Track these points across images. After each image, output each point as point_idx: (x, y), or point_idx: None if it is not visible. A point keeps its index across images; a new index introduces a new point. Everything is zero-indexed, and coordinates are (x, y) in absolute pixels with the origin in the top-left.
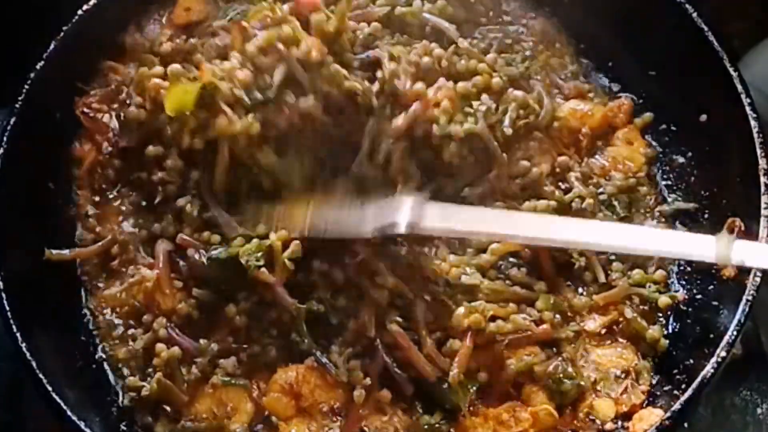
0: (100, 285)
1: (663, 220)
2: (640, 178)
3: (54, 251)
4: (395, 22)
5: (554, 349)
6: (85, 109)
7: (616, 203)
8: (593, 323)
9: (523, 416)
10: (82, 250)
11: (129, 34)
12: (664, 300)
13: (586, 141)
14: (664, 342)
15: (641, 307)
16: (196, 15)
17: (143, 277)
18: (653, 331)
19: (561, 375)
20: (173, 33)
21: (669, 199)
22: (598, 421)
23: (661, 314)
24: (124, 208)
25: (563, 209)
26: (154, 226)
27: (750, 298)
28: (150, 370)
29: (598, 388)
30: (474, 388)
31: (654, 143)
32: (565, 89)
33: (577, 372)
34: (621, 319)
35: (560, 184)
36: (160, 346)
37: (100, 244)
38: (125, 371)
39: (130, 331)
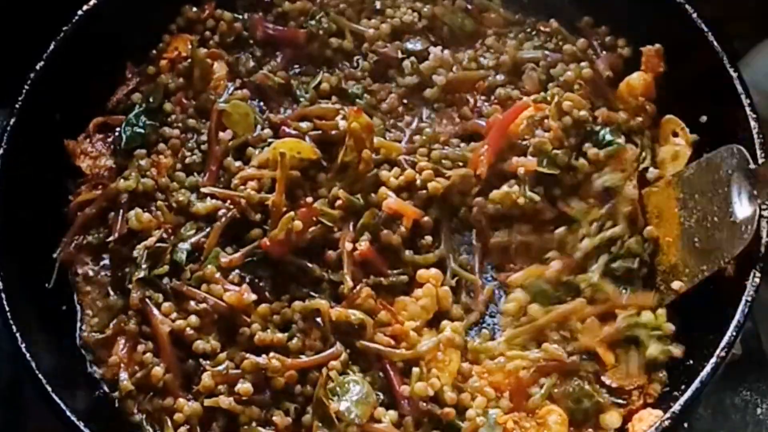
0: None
1: None
2: None
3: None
4: None
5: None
6: (83, 156)
7: None
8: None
9: (528, 425)
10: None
11: None
12: (654, 350)
13: (651, 109)
14: (674, 350)
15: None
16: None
17: None
18: (654, 350)
19: (579, 395)
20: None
21: None
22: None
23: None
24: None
25: None
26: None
27: (750, 298)
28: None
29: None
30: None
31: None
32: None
33: (594, 390)
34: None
35: None
36: (156, 370)
37: None
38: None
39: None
